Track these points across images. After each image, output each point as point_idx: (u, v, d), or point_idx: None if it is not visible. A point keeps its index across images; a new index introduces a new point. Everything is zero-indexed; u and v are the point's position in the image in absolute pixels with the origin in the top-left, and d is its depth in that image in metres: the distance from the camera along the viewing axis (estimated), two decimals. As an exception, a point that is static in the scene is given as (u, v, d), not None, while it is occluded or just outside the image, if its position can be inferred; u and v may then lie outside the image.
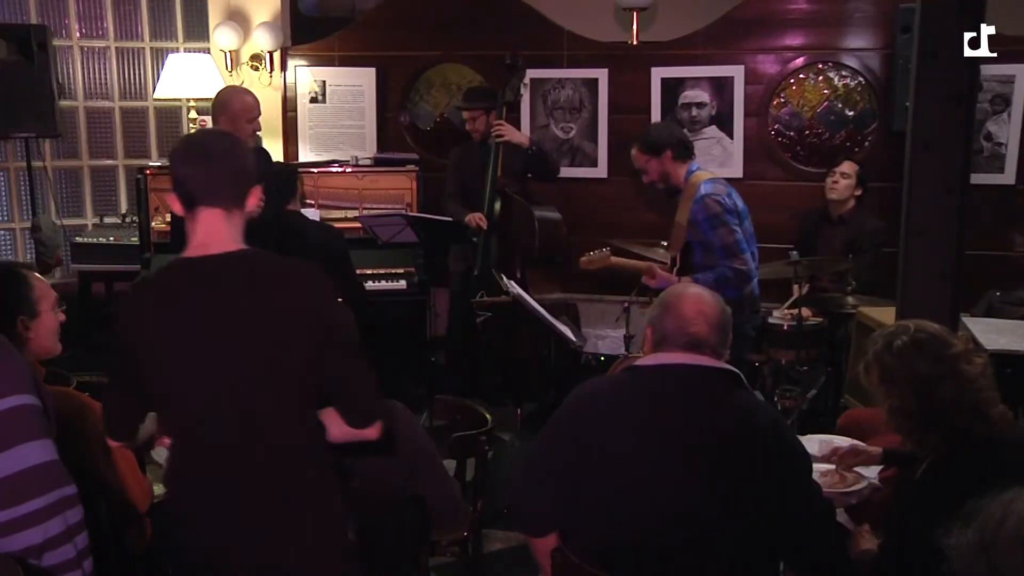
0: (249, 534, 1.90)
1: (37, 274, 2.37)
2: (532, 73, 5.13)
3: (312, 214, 4.84)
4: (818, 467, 2.29)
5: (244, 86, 5.54)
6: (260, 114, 3.76)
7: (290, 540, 1.92)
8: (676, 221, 3.90)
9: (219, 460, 1.91)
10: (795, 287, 4.37)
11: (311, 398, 1.93)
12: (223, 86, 4.75)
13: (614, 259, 4.17)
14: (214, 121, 3.76)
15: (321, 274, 1.94)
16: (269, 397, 1.88)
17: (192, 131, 4.74)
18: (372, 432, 1.96)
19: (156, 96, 5.58)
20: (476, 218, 4.75)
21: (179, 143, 2.03)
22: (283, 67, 5.68)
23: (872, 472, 2.52)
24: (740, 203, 3.79)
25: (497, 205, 4.82)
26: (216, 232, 1.90)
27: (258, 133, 3.92)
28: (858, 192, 4.66)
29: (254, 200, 1.98)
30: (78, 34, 5.56)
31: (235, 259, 1.90)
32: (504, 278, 4.17)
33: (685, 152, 3.84)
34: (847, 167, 4.68)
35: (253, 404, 1.87)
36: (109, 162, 5.74)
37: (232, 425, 1.88)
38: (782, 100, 5.23)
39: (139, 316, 1.92)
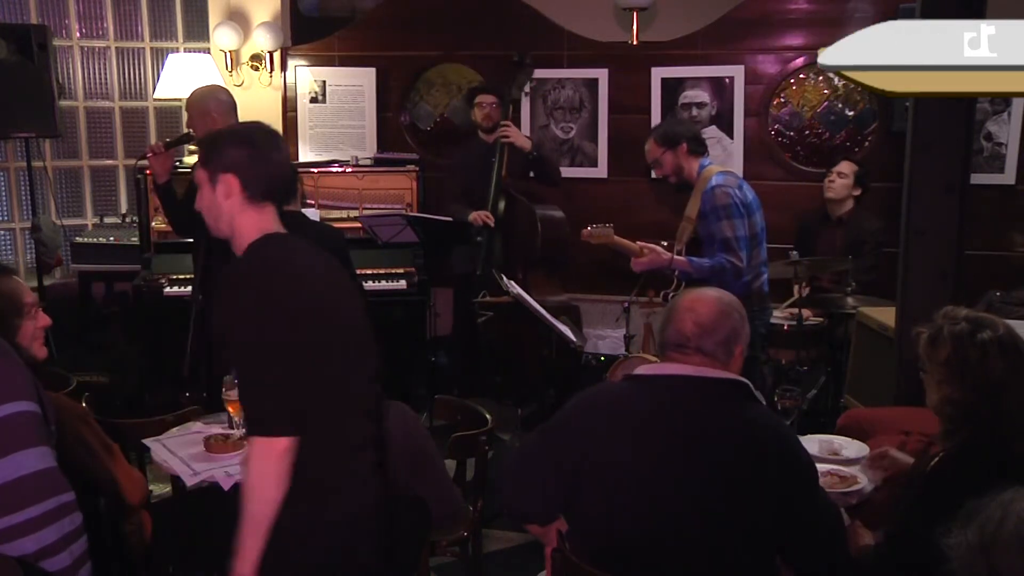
0: None
1: (16, 279, 2.28)
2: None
3: (312, 214, 4.84)
4: (818, 467, 2.29)
5: (237, 86, 5.56)
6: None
7: None
8: (685, 215, 3.94)
9: None
10: (795, 287, 4.38)
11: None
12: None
13: (617, 238, 4.13)
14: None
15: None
16: None
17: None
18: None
19: (156, 96, 5.58)
20: (481, 216, 4.74)
21: (259, 128, 2.07)
22: (283, 67, 5.67)
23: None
24: (751, 195, 3.82)
25: (501, 205, 4.82)
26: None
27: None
28: (856, 192, 4.67)
29: None
30: (78, 34, 5.56)
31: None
32: (504, 278, 4.17)
33: (699, 147, 3.90)
34: (844, 167, 4.69)
35: None
36: (109, 162, 5.74)
37: None
38: (782, 100, 5.23)
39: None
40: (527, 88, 4.98)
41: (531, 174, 4.94)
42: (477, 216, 4.74)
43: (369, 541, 1.99)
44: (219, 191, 2.00)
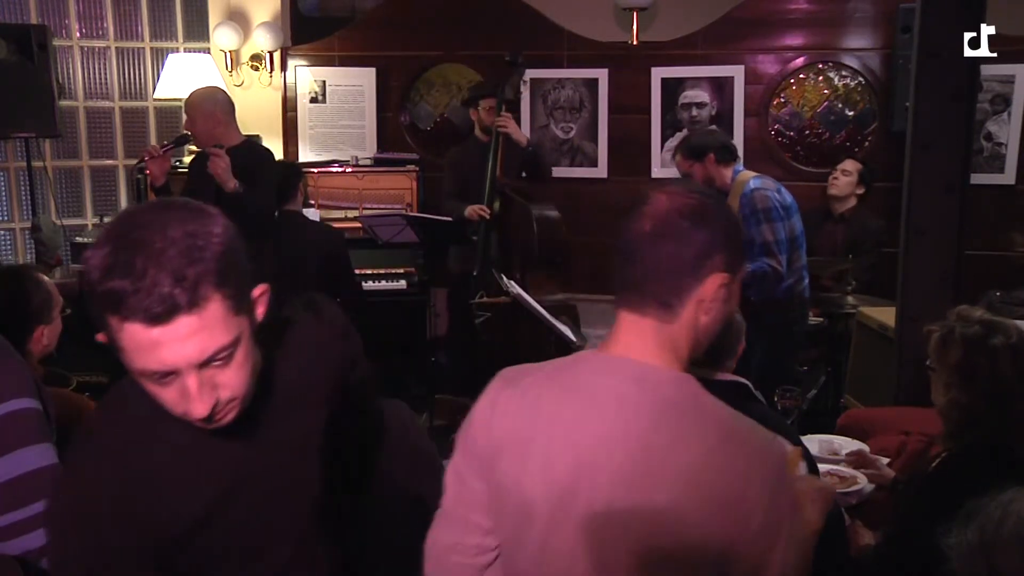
0: None
1: (47, 278, 2.38)
2: (532, 73, 5.13)
3: (312, 214, 4.84)
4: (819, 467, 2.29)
5: (237, 86, 5.57)
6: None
7: None
8: None
9: None
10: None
11: None
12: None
13: None
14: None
15: None
16: None
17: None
18: None
19: (156, 96, 5.58)
20: (476, 209, 4.65)
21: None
22: (283, 67, 5.67)
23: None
24: (789, 198, 3.82)
25: (496, 204, 4.81)
26: None
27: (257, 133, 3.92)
28: (860, 191, 4.72)
29: None
30: (78, 34, 5.56)
31: None
32: (504, 278, 4.16)
33: (728, 155, 3.86)
34: (848, 164, 4.75)
35: None
36: (109, 162, 5.73)
37: None
38: (782, 100, 5.23)
39: None
40: (522, 88, 4.97)
41: (523, 174, 4.93)
42: (472, 211, 4.67)
43: None
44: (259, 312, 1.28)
